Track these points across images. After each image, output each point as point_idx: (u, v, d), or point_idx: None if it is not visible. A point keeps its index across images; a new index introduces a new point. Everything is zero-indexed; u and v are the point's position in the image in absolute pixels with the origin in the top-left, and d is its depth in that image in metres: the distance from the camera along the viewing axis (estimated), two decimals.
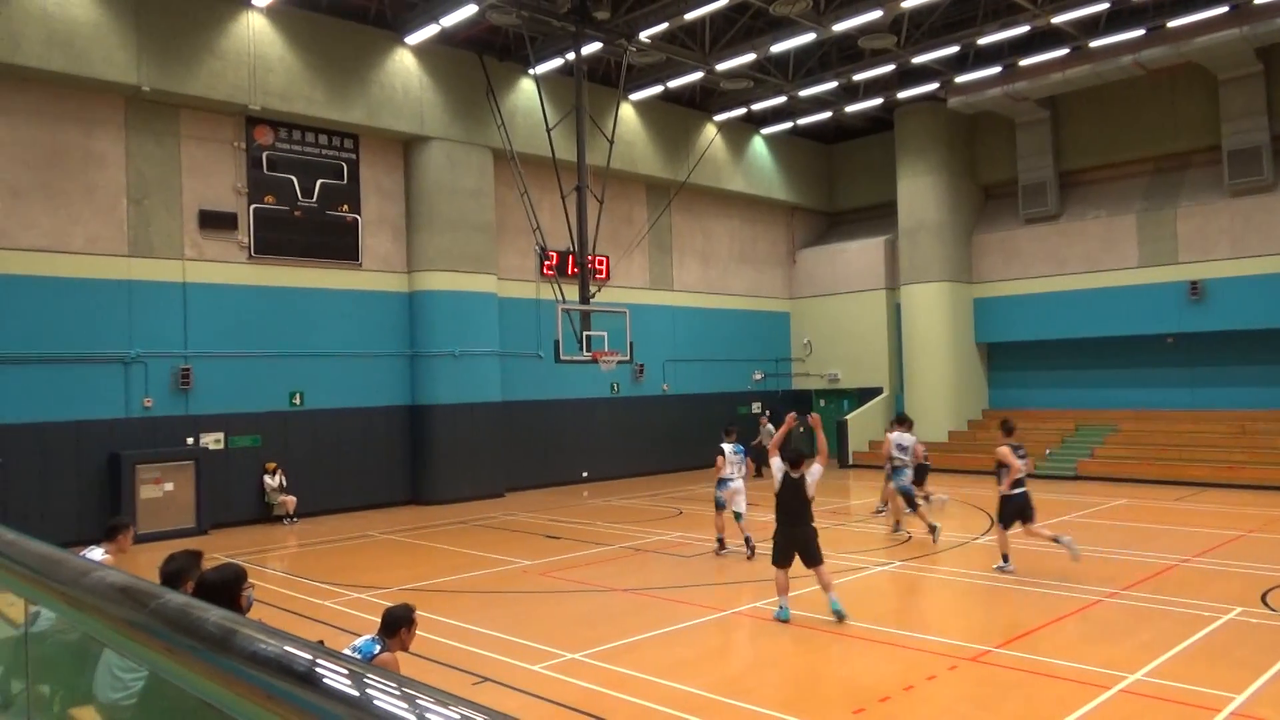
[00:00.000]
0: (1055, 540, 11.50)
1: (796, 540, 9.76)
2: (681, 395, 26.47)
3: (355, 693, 0.98)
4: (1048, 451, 23.41)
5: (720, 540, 13.81)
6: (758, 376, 28.91)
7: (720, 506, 13.66)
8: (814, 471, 9.85)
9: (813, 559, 9.71)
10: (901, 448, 14.96)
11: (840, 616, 9.49)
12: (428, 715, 0.92)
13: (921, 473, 16.01)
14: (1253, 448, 20.86)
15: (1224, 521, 15.71)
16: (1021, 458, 11.90)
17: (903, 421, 15.74)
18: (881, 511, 16.76)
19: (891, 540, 14.63)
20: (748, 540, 13.26)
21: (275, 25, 18.30)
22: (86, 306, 16.52)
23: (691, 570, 12.86)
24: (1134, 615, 9.67)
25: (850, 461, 26.34)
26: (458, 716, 0.91)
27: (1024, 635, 9.03)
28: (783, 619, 9.68)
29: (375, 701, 0.95)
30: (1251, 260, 21.91)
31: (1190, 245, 22.93)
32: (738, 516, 13.50)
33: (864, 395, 28.21)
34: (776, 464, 9.95)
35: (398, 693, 0.96)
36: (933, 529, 14.10)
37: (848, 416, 27.11)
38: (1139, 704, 7.11)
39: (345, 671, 1.02)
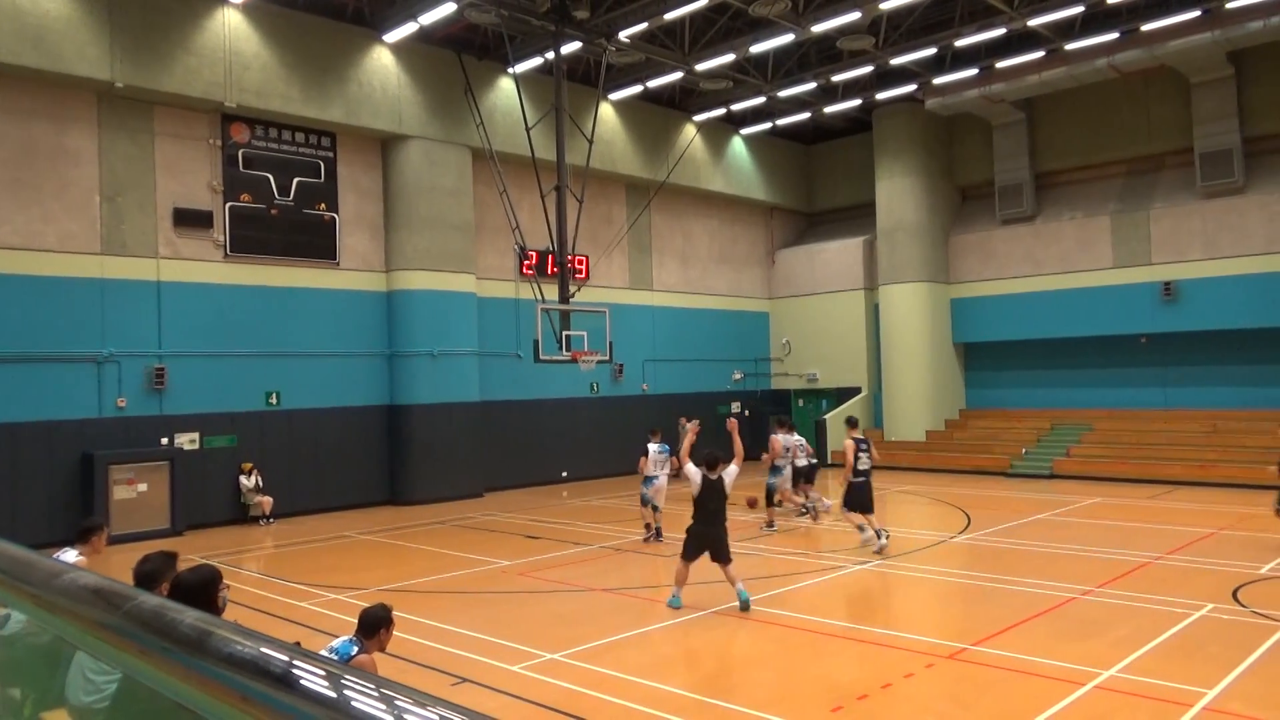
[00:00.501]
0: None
1: (709, 539, 10.34)
2: (661, 395, 26.47)
3: (332, 694, 0.97)
4: (1024, 450, 23.62)
5: (656, 530, 14.85)
6: (737, 376, 28.99)
7: (645, 503, 14.97)
8: (730, 472, 10.41)
9: (722, 557, 10.29)
10: (786, 448, 16.26)
11: (745, 605, 10.07)
12: (406, 716, 0.91)
13: (809, 472, 17.07)
14: (1224, 446, 21.13)
15: (1196, 519, 15.91)
16: (864, 450, 13.36)
17: (783, 424, 17.08)
18: (807, 511, 16.74)
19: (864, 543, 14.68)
20: (657, 530, 14.79)
21: (252, 22, 18.14)
22: (59, 305, 16.30)
23: (671, 570, 12.84)
24: (1108, 612, 9.77)
25: (829, 461, 26.42)
26: (436, 717, 0.90)
27: (1000, 633, 9.10)
28: (675, 606, 10.27)
29: (353, 703, 0.95)
30: (1223, 261, 22.21)
31: (1163, 246, 23.21)
32: (655, 509, 14.87)
33: (842, 395, 28.34)
34: (692, 469, 10.51)
35: (376, 694, 0.95)
36: (771, 524, 15.71)
37: (826, 416, 27.23)
38: (1113, 700, 7.18)
39: (322, 673, 1.01)
